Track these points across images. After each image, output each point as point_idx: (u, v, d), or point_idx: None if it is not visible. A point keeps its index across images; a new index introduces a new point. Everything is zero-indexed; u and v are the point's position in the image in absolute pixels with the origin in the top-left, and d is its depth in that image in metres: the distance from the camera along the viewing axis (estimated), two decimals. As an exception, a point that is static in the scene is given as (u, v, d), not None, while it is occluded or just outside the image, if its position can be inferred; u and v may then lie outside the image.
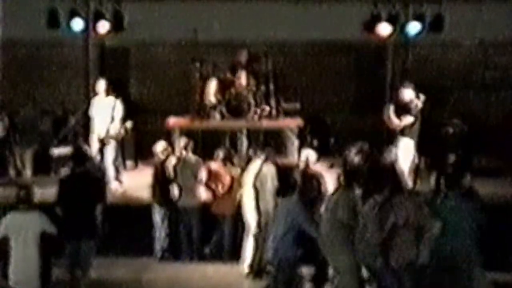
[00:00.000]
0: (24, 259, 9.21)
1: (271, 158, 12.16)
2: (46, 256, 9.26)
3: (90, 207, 10.90)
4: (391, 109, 13.55)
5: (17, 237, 9.22)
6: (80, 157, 11.65)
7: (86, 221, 10.81)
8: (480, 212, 9.69)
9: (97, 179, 11.83)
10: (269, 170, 11.99)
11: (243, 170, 12.50)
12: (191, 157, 13.05)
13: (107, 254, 12.48)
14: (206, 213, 12.76)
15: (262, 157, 12.17)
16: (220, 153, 12.80)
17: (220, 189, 12.61)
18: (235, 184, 12.56)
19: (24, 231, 9.22)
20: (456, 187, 10.07)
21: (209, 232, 12.81)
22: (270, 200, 11.91)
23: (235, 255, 12.53)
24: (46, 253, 9.25)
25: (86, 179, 11.10)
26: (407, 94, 13.65)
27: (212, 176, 12.63)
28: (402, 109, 13.47)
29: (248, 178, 12.05)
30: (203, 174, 12.67)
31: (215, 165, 12.71)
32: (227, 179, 12.65)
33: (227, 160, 12.82)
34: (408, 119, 13.42)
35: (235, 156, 13.99)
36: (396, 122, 13.47)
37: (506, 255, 12.53)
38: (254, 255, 11.80)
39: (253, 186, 11.90)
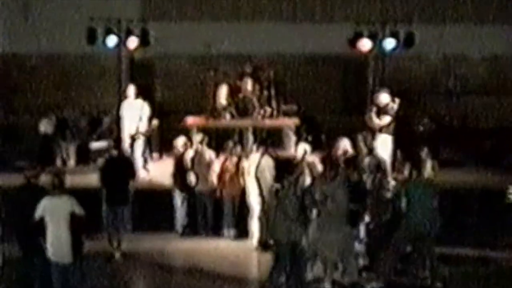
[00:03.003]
0: (57, 236, 9.21)
1: (267, 152, 12.16)
2: (76, 233, 9.29)
3: (124, 182, 11.66)
4: (373, 112, 13.56)
5: (51, 218, 9.23)
6: (116, 146, 12.41)
7: (121, 192, 11.62)
8: None
9: (129, 162, 12.46)
10: (267, 162, 12.00)
11: (247, 162, 12.50)
12: (206, 150, 13.08)
13: (136, 230, 12.56)
14: (217, 197, 12.75)
15: (260, 151, 12.19)
16: (230, 144, 12.88)
17: (228, 178, 12.61)
18: (241, 173, 12.54)
19: (57, 212, 9.23)
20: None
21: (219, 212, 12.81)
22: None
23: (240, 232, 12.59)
24: (76, 231, 9.28)
25: (120, 162, 11.96)
26: (385, 98, 13.64)
27: (223, 166, 12.64)
28: (381, 110, 13.49)
29: (251, 169, 12.07)
30: (215, 165, 12.68)
31: (225, 158, 12.72)
32: (234, 170, 12.64)
33: (234, 151, 12.83)
34: (386, 119, 13.42)
35: (242, 150, 14.02)
36: (376, 121, 13.46)
37: (466, 232, 12.62)
38: (261, 232, 11.81)
39: (255, 176, 11.92)
